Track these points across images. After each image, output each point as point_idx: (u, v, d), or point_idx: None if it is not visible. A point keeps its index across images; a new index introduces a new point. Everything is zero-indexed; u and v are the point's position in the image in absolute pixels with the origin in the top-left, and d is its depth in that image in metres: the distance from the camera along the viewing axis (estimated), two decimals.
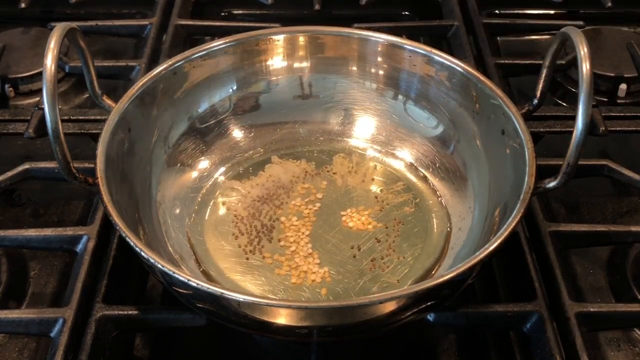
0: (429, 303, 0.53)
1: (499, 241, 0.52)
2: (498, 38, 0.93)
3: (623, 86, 0.82)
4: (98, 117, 0.74)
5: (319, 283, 0.61)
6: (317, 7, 0.93)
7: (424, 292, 0.49)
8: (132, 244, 0.51)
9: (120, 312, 0.57)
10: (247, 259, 0.63)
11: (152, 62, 0.82)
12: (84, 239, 0.62)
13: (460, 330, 0.63)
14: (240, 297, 0.48)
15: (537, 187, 0.56)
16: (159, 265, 0.50)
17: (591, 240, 0.64)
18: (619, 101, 0.82)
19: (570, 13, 0.96)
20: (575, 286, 0.64)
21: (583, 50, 0.53)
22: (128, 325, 0.58)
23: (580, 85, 0.53)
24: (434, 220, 0.66)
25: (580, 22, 0.88)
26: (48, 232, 0.63)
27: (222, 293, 0.49)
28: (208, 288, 0.49)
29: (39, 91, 0.82)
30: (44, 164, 0.69)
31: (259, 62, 0.72)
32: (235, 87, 0.71)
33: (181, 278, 0.49)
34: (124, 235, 0.52)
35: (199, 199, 0.68)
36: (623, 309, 0.59)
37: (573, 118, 0.53)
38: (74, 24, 0.57)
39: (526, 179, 0.56)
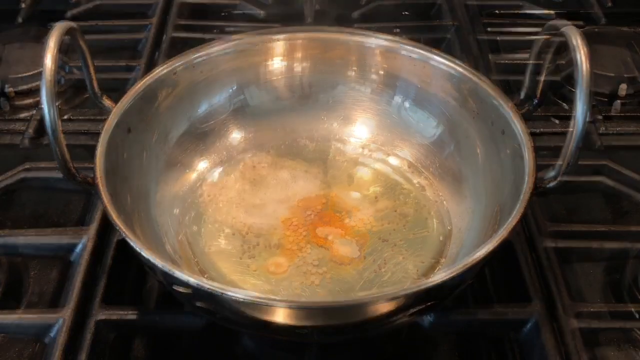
0: (428, 303, 0.53)
1: (498, 241, 0.51)
2: (498, 38, 0.93)
3: (623, 86, 0.82)
4: (98, 117, 0.74)
5: (319, 283, 0.61)
6: (317, 7, 0.93)
7: (423, 292, 0.49)
8: (132, 244, 0.51)
9: (118, 314, 0.57)
10: (247, 259, 0.62)
11: (152, 62, 0.82)
12: (83, 240, 0.62)
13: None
14: (241, 295, 0.48)
15: (537, 187, 0.56)
16: (159, 265, 0.50)
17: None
18: (618, 101, 0.82)
19: (570, 13, 0.96)
20: (575, 286, 0.64)
21: (582, 50, 0.53)
22: (126, 327, 0.58)
23: (579, 85, 0.53)
24: (434, 220, 0.66)
25: (580, 22, 0.88)
26: (47, 233, 0.63)
27: (223, 292, 0.49)
28: (209, 287, 0.49)
29: (39, 91, 0.81)
30: (44, 163, 0.69)
31: (258, 63, 0.72)
32: (235, 88, 0.71)
33: (182, 277, 0.49)
34: (124, 235, 0.52)
35: (199, 199, 0.68)
36: (623, 309, 0.59)
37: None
38: (74, 23, 0.57)
39: (526, 179, 0.56)
